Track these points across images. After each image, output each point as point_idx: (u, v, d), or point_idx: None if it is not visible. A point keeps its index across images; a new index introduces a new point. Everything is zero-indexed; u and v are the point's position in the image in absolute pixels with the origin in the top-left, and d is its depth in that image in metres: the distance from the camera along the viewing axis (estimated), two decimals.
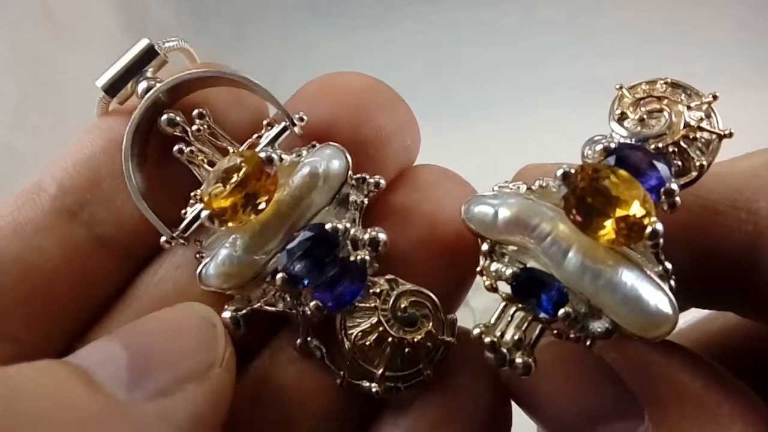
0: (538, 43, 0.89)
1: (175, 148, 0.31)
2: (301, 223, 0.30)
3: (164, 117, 0.31)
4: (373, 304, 0.30)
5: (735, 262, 0.28)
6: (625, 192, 0.25)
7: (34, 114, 0.72)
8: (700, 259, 0.28)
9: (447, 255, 0.31)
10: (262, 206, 0.29)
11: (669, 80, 0.28)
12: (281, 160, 0.30)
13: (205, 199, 0.29)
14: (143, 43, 0.32)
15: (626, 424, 0.27)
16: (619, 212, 0.26)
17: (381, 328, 0.30)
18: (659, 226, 0.25)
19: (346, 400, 0.31)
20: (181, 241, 0.31)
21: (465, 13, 0.89)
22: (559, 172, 0.26)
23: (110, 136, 0.31)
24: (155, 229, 0.30)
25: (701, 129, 0.27)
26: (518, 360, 0.27)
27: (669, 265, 0.26)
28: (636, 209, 0.25)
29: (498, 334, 0.28)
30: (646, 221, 0.25)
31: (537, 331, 0.28)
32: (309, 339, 0.30)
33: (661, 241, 0.25)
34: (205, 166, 0.31)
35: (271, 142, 0.31)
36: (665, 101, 0.28)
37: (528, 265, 0.28)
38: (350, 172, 0.30)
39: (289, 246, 0.29)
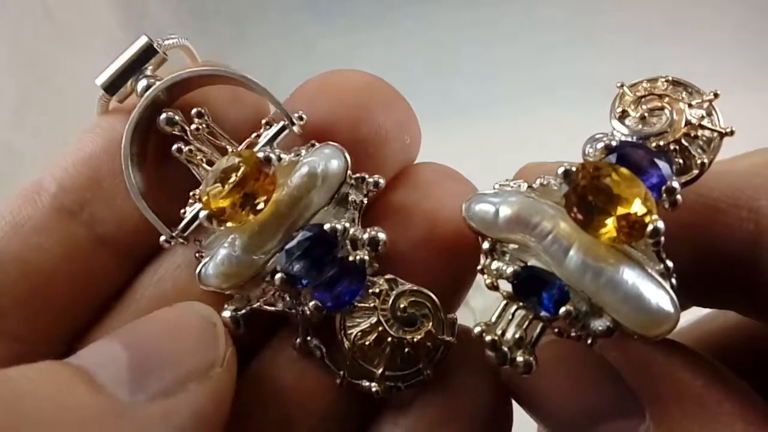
0: (538, 43, 0.89)
1: (174, 147, 0.31)
2: (300, 223, 0.30)
3: (163, 116, 0.31)
4: (372, 304, 0.30)
5: (736, 260, 0.28)
6: (626, 190, 0.25)
7: (34, 114, 0.72)
8: (701, 257, 0.28)
9: (447, 254, 0.31)
10: (260, 206, 0.29)
11: (670, 78, 0.28)
12: (280, 159, 0.30)
13: (204, 199, 0.29)
14: (142, 41, 0.32)
15: (627, 422, 0.27)
16: (621, 210, 0.25)
17: (380, 328, 0.30)
18: (660, 224, 0.25)
19: (346, 399, 0.31)
20: (181, 240, 0.31)
21: (465, 13, 0.89)
22: (560, 170, 0.26)
23: (111, 136, 0.31)
24: (156, 228, 0.30)
25: (702, 127, 0.27)
26: (519, 358, 0.27)
27: (670, 264, 0.26)
28: (637, 207, 0.25)
29: (499, 332, 0.28)
30: (647, 219, 0.25)
31: (538, 330, 0.28)
32: (308, 339, 0.30)
33: (663, 239, 0.25)
34: (204, 165, 0.31)
35: (270, 142, 0.31)
36: (666, 99, 0.28)
37: (529, 264, 0.28)
38: (349, 172, 0.30)
39: (288, 246, 0.29)
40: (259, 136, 0.31)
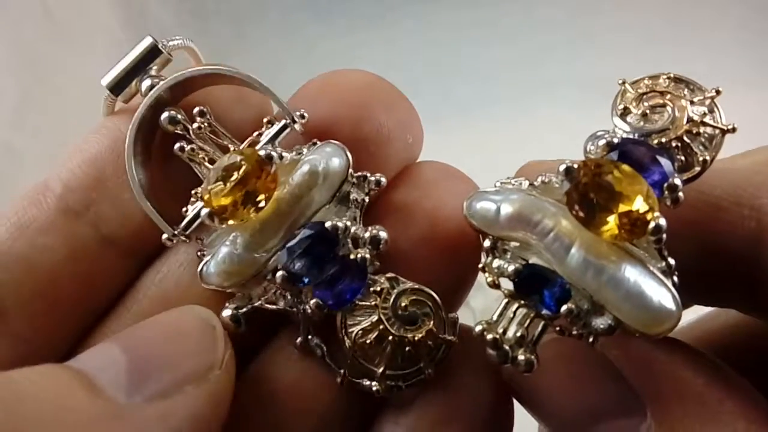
0: (538, 43, 0.89)
1: (176, 146, 0.31)
2: (302, 221, 0.30)
3: (165, 115, 0.31)
4: (373, 303, 0.30)
5: (738, 258, 0.28)
6: (628, 187, 0.25)
7: (34, 114, 0.72)
8: (703, 255, 0.28)
9: (449, 252, 0.31)
10: (262, 204, 0.29)
11: (672, 75, 0.28)
12: (281, 158, 0.30)
13: (205, 197, 0.29)
14: (147, 41, 0.32)
15: (629, 421, 0.27)
16: (622, 207, 0.25)
17: (381, 327, 0.30)
18: (662, 222, 0.25)
19: (347, 399, 0.31)
20: (183, 238, 0.31)
21: (465, 13, 0.89)
22: (562, 168, 0.26)
23: (116, 136, 0.31)
24: (159, 227, 0.30)
25: (704, 124, 0.27)
26: (520, 357, 0.27)
27: (672, 261, 0.26)
28: (639, 204, 0.25)
29: (500, 331, 0.28)
30: (649, 217, 0.25)
31: (539, 328, 0.28)
32: (309, 337, 0.30)
33: (664, 236, 0.25)
34: (206, 164, 0.31)
35: (272, 140, 0.31)
36: (668, 96, 0.28)
37: (530, 262, 0.28)
38: (351, 170, 0.30)
39: (289, 244, 0.29)
40: (261, 134, 0.32)
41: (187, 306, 0.29)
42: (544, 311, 0.27)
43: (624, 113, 0.28)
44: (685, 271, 0.27)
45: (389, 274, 0.30)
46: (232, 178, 0.29)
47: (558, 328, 0.28)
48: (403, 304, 0.30)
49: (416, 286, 0.30)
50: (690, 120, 0.27)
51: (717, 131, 0.27)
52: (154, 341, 0.27)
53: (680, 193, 0.26)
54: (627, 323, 0.26)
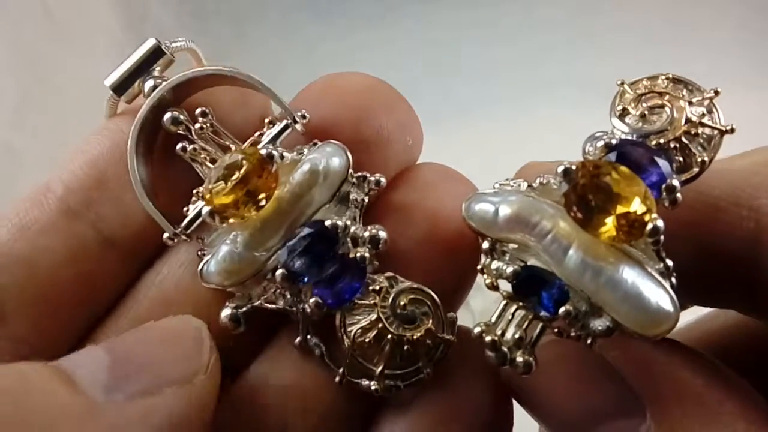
0: (538, 43, 0.89)
1: (179, 146, 0.31)
2: (302, 220, 0.30)
3: (168, 115, 0.31)
4: (372, 301, 0.30)
5: (736, 259, 0.28)
6: (626, 188, 0.25)
7: (34, 114, 0.72)
8: (702, 256, 0.28)
9: (448, 253, 0.31)
10: (263, 203, 0.29)
11: (670, 76, 0.28)
12: (282, 157, 0.30)
13: (207, 196, 0.29)
14: (150, 43, 0.32)
15: (628, 422, 0.27)
16: (620, 209, 0.25)
17: (380, 325, 0.30)
18: (660, 223, 0.25)
19: (346, 398, 0.31)
20: (184, 237, 0.31)
21: (465, 13, 0.89)
22: (560, 169, 0.26)
23: (118, 137, 0.31)
24: (161, 228, 0.30)
25: (703, 125, 0.27)
26: (519, 359, 0.27)
27: (670, 262, 0.26)
28: (637, 206, 0.25)
29: (499, 332, 0.28)
30: (646, 218, 0.25)
31: (538, 330, 0.28)
32: (309, 337, 0.30)
33: (662, 238, 0.25)
34: (208, 163, 0.31)
35: (273, 140, 0.31)
36: (667, 97, 0.28)
37: (529, 263, 0.28)
38: (351, 171, 0.30)
39: (289, 243, 0.29)
40: (262, 134, 0.32)
41: (179, 316, 0.29)
42: (543, 313, 0.27)
43: (622, 114, 0.28)
44: (683, 271, 0.27)
45: (388, 274, 0.30)
46: (234, 177, 0.29)
47: (556, 330, 0.28)
48: (402, 303, 0.30)
49: (415, 286, 0.30)
50: (688, 121, 0.27)
51: (715, 132, 0.27)
52: (140, 344, 0.27)
53: (678, 194, 0.26)
54: (625, 325, 0.26)
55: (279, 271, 0.29)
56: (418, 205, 0.31)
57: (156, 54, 0.32)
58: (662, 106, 0.28)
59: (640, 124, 0.28)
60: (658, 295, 0.26)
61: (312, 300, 0.29)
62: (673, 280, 0.26)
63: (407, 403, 0.30)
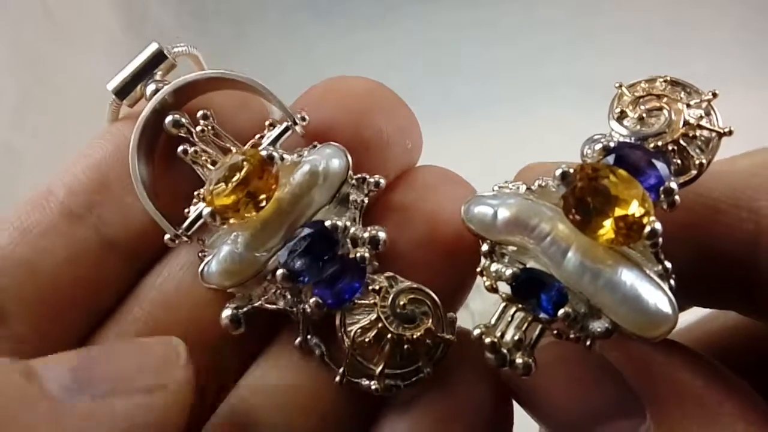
0: (538, 43, 0.89)
1: (180, 148, 0.31)
2: (302, 220, 0.30)
3: (169, 118, 0.32)
4: (372, 301, 0.30)
5: (736, 260, 0.28)
6: (624, 191, 0.25)
7: (34, 114, 0.72)
8: (701, 257, 0.28)
9: (447, 255, 0.31)
10: (263, 204, 0.29)
11: (668, 78, 0.28)
12: (282, 159, 0.30)
13: (208, 197, 0.29)
14: (153, 47, 0.32)
15: (628, 422, 0.27)
16: (618, 212, 0.25)
17: (380, 325, 0.30)
18: (658, 226, 0.25)
19: (346, 398, 0.31)
20: (185, 238, 0.31)
21: (465, 13, 0.89)
22: (558, 172, 0.26)
23: (120, 141, 0.32)
24: (162, 231, 0.31)
25: (701, 127, 0.27)
26: (518, 360, 0.27)
27: (669, 265, 0.26)
28: (635, 208, 0.25)
29: (498, 334, 0.28)
30: (645, 220, 0.25)
31: (537, 332, 0.28)
32: (309, 337, 0.30)
33: (660, 240, 0.25)
34: (209, 166, 0.31)
35: (273, 142, 0.32)
36: (665, 99, 0.28)
37: (528, 266, 0.28)
38: (350, 172, 0.30)
39: (290, 243, 0.29)
40: (262, 137, 0.32)
41: (164, 336, 0.29)
42: (542, 315, 0.27)
43: (620, 117, 0.28)
44: (683, 273, 0.27)
45: (388, 273, 0.30)
46: (234, 179, 0.29)
47: (555, 332, 0.28)
48: (401, 303, 0.30)
49: (415, 285, 0.30)
50: (686, 123, 0.27)
51: (713, 134, 0.27)
52: (112, 353, 0.27)
53: (676, 197, 0.26)
54: (623, 327, 0.26)
55: (279, 271, 0.29)
56: (417, 208, 0.32)
57: (158, 58, 0.32)
58: (660, 109, 0.28)
59: (638, 126, 0.28)
60: (657, 297, 0.26)
61: (312, 300, 0.29)
62: (672, 282, 0.26)
63: (407, 402, 0.30)
